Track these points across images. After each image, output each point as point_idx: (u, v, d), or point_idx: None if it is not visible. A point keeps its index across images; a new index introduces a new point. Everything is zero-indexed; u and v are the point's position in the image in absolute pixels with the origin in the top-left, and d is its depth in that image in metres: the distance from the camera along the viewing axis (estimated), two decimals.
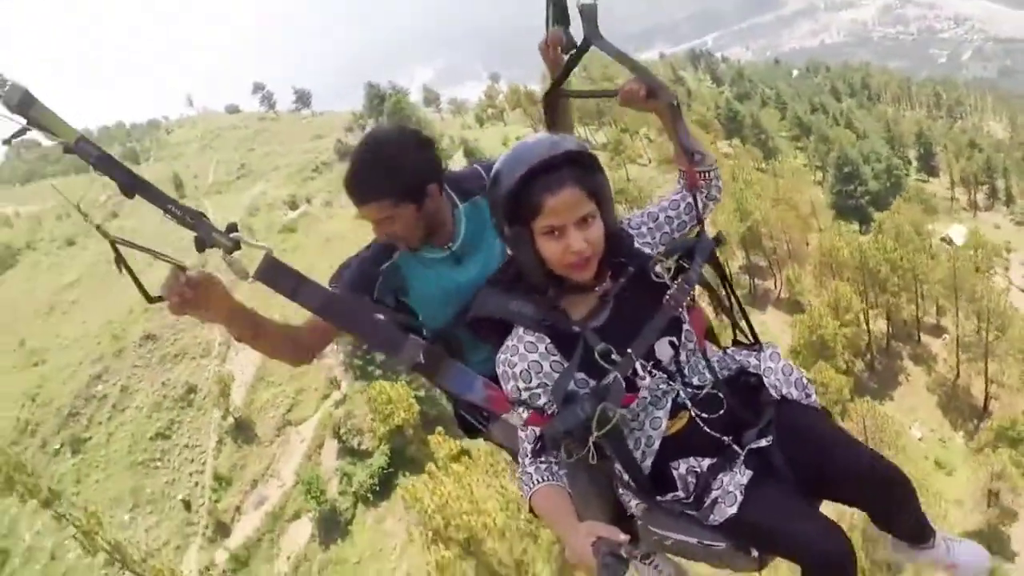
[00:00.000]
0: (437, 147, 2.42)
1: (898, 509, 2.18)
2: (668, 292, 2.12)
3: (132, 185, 1.58)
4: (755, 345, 2.41)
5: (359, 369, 39.85)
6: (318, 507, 35.60)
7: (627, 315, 2.09)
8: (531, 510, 2.03)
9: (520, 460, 2.07)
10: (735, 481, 2.01)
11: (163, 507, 36.16)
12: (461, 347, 2.47)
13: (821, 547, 1.90)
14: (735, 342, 2.50)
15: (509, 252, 2.11)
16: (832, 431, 2.17)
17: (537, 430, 1.98)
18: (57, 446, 38.32)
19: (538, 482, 1.99)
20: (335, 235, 50.83)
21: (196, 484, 37.48)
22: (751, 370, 2.28)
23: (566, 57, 2.59)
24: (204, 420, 40.08)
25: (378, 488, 36.07)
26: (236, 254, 1.64)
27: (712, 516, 2.00)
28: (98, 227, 1.76)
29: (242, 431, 39.60)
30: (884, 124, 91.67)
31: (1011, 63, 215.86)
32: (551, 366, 1.99)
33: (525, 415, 1.93)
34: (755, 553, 2.08)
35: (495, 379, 2.02)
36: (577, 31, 2.48)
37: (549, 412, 1.94)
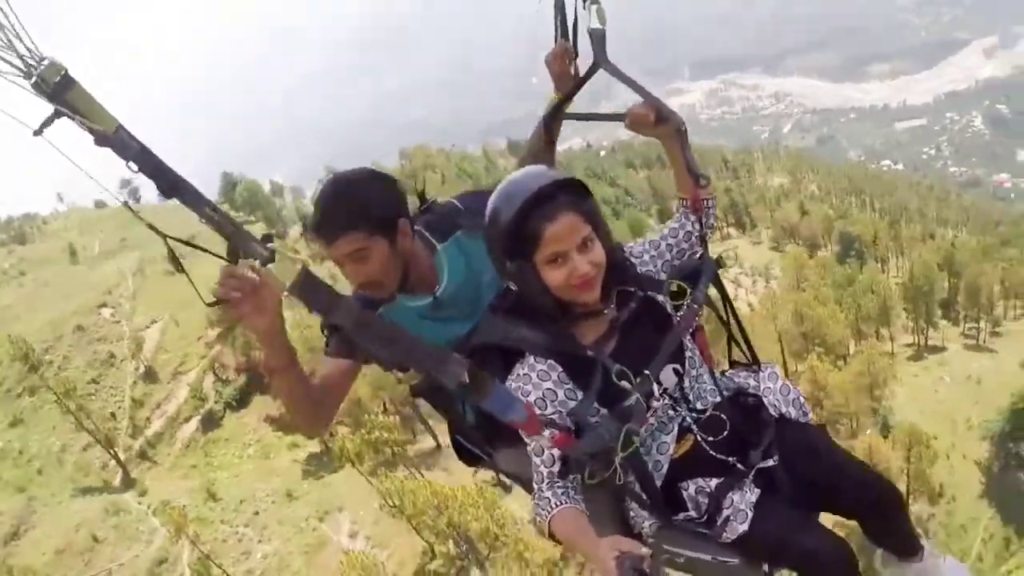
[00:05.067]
0: (400, 187, 2.36)
1: (890, 523, 2.36)
2: (678, 314, 2.19)
3: (172, 184, 1.45)
4: (753, 365, 2.48)
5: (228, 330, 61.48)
6: (201, 409, 57.02)
7: (637, 340, 2.12)
8: (551, 534, 2.02)
9: (536, 486, 2.06)
10: (745, 500, 2.10)
11: (96, 420, 56.22)
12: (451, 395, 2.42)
13: (827, 558, 2.07)
14: (732, 363, 2.57)
15: (509, 285, 2.12)
16: (830, 449, 2.32)
17: (556, 454, 1.97)
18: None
19: (556, 506, 1.99)
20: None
21: (119, 408, 57.96)
22: (750, 391, 2.37)
23: (572, 70, 2.61)
24: (122, 372, 60.72)
25: (239, 398, 57.66)
26: (270, 266, 1.53)
27: (725, 534, 2.09)
28: (150, 226, 1.58)
29: (149, 376, 60.51)
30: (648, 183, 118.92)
31: (827, 131, 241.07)
32: (565, 394, 2.01)
33: (552, 438, 1.90)
34: (765, 567, 2.20)
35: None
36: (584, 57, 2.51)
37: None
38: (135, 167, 1.43)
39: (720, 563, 2.16)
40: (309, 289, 1.57)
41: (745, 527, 2.08)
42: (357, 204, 2.22)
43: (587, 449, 1.95)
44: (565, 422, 1.99)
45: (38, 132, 1.35)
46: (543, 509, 2.02)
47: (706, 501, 2.15)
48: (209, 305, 1.65)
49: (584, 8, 2.45)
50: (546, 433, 1.89)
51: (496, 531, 35.91)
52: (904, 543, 2.47)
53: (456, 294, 2.44)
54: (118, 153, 1.41)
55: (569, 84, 2.67)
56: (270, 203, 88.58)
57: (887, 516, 2.36)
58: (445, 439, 43.40)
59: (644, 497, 2.16)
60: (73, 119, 1.35)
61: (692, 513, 2.17)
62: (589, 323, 2.11)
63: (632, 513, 2.27)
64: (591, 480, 2.00)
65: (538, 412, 1.91)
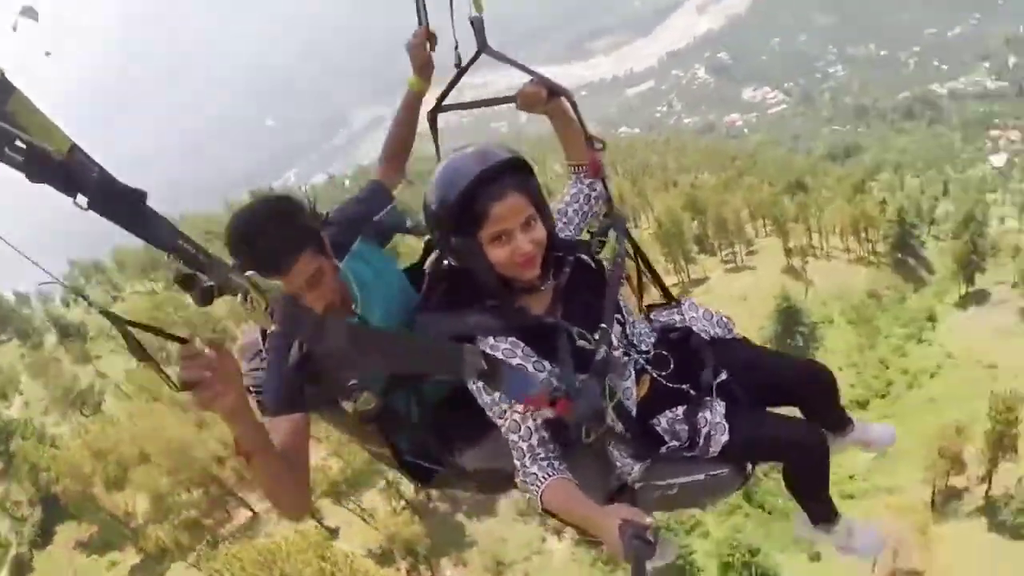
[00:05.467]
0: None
1: (829, 399, 2.72)
2: (609, 269, 2.31)
3: (133, 216, 1.25)
4: (671, 302, 2.71)
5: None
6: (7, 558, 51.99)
7: (580, 302, 2.23)
8: (543, 508, 2.01)
9: (518, 463, 2.06)
10: (717, 413, 2.29)
11: None
12: (399, 413, 2.41)
13: (805, 438, 2.43)
14: (649, 307, 2.74)
15: (451, 263, 2.14)
16: (763, 354, 2.64)
17: (533, 426, 2.03)
18: None
19: (544, 479, 2.00)
20: None
21: None
22: (678, 325, 2.57)
23: (433, 53, 2.56)
24: None
25: (41, 534, 53.23)
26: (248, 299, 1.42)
27: (711, 448, 2.26)
28: (104, 311, 1.39)
29: None
30: None
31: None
32: (534, 366, 2.07)
33: (556, 407, 1.95)
34: (749, 468, 2.40)
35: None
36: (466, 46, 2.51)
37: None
38: (84, 203, 1.18)
39: (713, 477, 2.33)
40: (294, 317, 1.50)
41: (726, 437, 2.26)
42: (294, 225, 2.13)
43: (585, 410, 2.01)
44: (559, 391, 2.02)
45: None
46: (532, 484, 2.03)
47: (684, 427, 2.29)
48: (180, 390, 1.48)
49: None
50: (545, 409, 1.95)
51: (332, 570, 36.03)
52: (840, 418, 2.86)
53: (374, 306, 2.39)
54: (64, 186, 1.15)
55: (431, 70, 2.68)
56: (16, 315, 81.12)
57: (828, 393, 2.72)
58: (261, 506, 43.10)
59: (632, 440, 2.26)
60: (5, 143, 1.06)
61: (674, 443, 2.30)
62: (533, 296, 2.17)
63: (618, 465, 2.32)
64: (587, 439, 2.06)
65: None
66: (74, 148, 1.17)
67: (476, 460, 2.56)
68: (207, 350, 1.50)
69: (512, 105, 2.53)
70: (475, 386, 2.08)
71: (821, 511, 2.88)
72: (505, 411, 2.06)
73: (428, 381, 2.47)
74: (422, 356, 1.79)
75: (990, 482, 39.34)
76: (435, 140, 2.78)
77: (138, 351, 1.37)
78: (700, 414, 2.31)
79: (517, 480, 2.11)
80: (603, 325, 2.18)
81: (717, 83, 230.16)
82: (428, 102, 2.81)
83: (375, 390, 2.28)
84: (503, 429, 2.10)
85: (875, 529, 3.03)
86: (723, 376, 2.43)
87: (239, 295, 1.45)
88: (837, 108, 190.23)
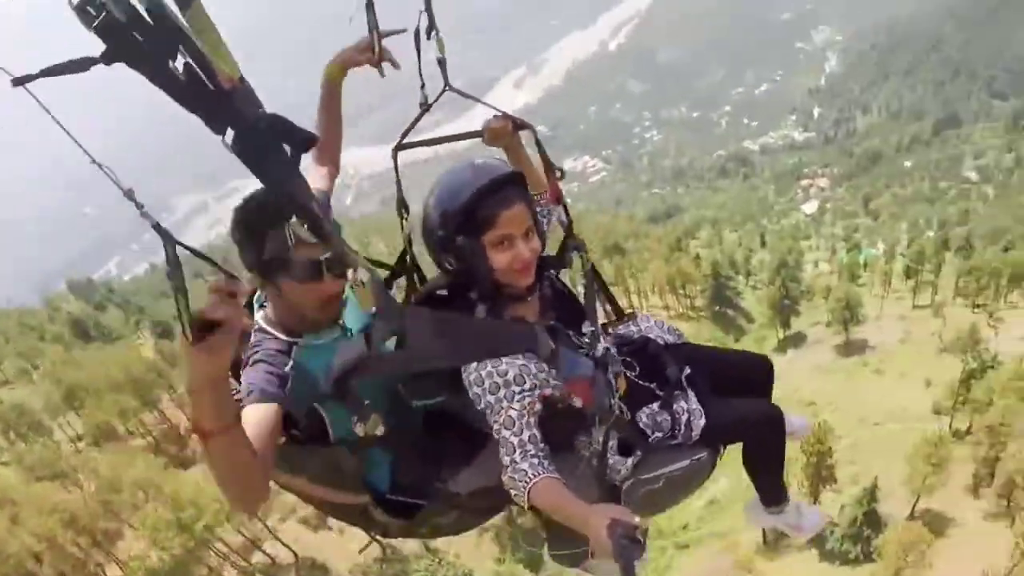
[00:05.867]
0: None
1: (767, 387, 3.01)
2: (583, 282, 2.48)
3: (289, 165, 1.27)
4: (624, 317, 2.82)
5: None
6: None
7: (565, 310, 2.45)
8: (530, 505, 2.01)
9: (508, 458, 2.06)
10: (691, 400, 2.53)
11: None
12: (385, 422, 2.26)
13: (768, 412, 2.71)
14: (605, 324, 2.78)
15: (452, 266, 2.19)
16: (709, 352, 2.93)
17: (526, 422, 2.06)
18: None
19: (534, 476, 2.01)
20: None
21: None
22: (636, 336, 2.79)
23: (381, 50, 2.44)
24: None
25: None
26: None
27: (693, 433, 2.48)
28: (157, 226, 1.23)
29: None
30: None
31: (388, 192, 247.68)
32: (536, 367, 2.15)
33: (580, 395, 2.21)
34: (721, 450, 2.63)
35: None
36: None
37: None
38: (230, 141, 1.09)
39: (696, 462, 2.51)
40: (389, 302, 1.56)
41: (703, 420, 2.49)
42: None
43: (602, 400, 2.23)
44: (556, 387, 2.21)
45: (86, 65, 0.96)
46: (520, 481, 2.03)
47: (665, 417, 2.47)
48: (197, 331, 1.29)
49: (428, 39, 2.54)
50: (554, 393, 2.18)
51: None
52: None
53: (349, 308, 2.28)
54: (219, 117, 1.05)
55: (357, 62, 2.56)
56: None
57: (768, 381, 3.01)
58: None
59: (629, 431, 2.42)
60: (192, 56, 0.95)
61: (658, 434, 2.47)
62: (522, 305, 2.31)
63: (611, 463, 2.38)
64: (602, 424, 2.21)
65: (516, 389, 2.09)
66: (243, 79, 1.06)
67: (469, 481, 2.52)
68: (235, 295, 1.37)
69: (474, 141, 2.68)
70: (478, 389, 2.12)
71: (776, 492, 3.09)
72: (502, 408, 2.09)
73: (417, 399, 2.36)
74: (504, 340, 1.98)
75: None
76: (396, 175, 2.79)
77: (176, 273, 1.23)
78: (676, 404, 2.50)
79: (504, 478, 2.09)
80: (591, 328, 2.35)
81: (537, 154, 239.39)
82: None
83: (381, 413, 2.23)
84: (497, 426, 2.10)
85: (816, 508, 3.33)
86: (687, 371, 2.65)
87: (350, 272, 1.49)
88: (656, 171, 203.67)
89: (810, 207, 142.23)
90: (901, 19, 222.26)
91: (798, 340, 65.74)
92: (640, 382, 2.57)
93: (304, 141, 1.25)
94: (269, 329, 2.13)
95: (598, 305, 2.59)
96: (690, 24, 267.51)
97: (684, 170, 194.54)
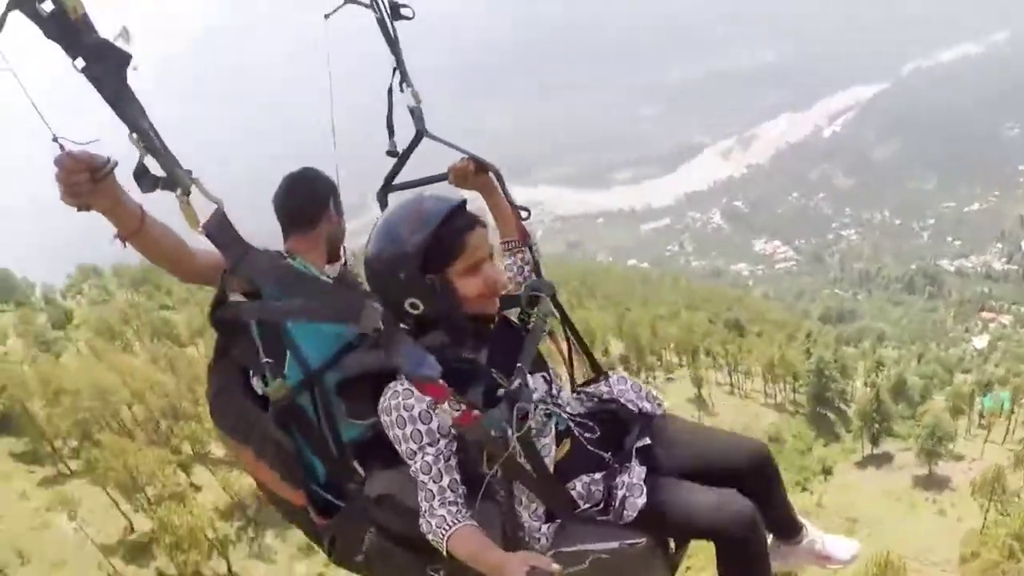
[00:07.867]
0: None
1: (768, 487, 2.46)
2: (532, 322, 2.36)
3: (118, 91, 1.42)
4: (600, 376, 2.62)
5: None
6: None
7: (503, 349, 2.22)
8: (447, 553, 1.96)
9: (426, 504, 2.02)
10: (636, 474, 2.20)
11: None
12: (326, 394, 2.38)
13: (729, 510, 2.13)
14: (578, 384, 2.65)
15: (417, 309, 2.07)
16: (692, 427, 2.57)
17: (443, 468, 2.01)
18: None
19: (452, 524, 1.96)
20: None
21: None
22: (606, 396, 2.51)
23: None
24: None
25: None
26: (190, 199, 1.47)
27: (626, 512, 2.14)
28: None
29: None
30: None
31: (575, 236, 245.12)
32: (448, 404, 1.94)
33: (457, 413, 1.92)
34: (672, 547, 2.28)
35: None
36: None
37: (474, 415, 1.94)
38: (80, 64, 1.34)
39: (628, 547, 2.16)
40: (223, 231, 1.57)
41: (643, 499, 2.15)
42: (317, 183, 2.76)
43: (488, 427, 1.97)
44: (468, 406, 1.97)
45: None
46: (439, 527, 1.99)
47: (599, 488, 2.21)
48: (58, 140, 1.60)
49: (402, 91, 2.63)
50: (446, 406, 1.92)
51: None
52: (786, 519, 2.65)
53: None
54: (69, 45, 1.31)
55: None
56: None
57: (769, 479, 2.49)
58: None
59: (537, 499, 2.19)
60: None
61: (587, 505, 2.21)
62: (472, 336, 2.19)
63: (527, 524, 2.22)
64: (490, 462, 2.04)
65: (433, 423, 2.00)
66: (85, 14, 1.31)
67: (384, 485, 2.35)
68: (79, 152, 1.68)
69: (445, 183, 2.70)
70: (387, 418, 2.05)
71: None
72: (416, 451, 2.03)
73: (353, 417, 2.43)
74: (331, 302, 1.89)
75: None
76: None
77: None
78: (619, 477, 2.23)
79: (421, 522, 2.05)
80: (519, 364, 2.17)
81: (731, 230, 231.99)
82: None
83: (290, 381, 2.32)
84: (413, 469, 2.06)
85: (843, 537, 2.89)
86: (646, 441, 2.36)
87: (178, 189, 1.53)
88: (845, 271, 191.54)
89: (980, 341, 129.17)
90: None
91: (882, 460, 61.41)
92: (590, 448, 2.31)
93: (125, 58, 1.43)
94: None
95: (554, 360, 2.50)
96: (910, 124, 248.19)
97: (872, 276, 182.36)
